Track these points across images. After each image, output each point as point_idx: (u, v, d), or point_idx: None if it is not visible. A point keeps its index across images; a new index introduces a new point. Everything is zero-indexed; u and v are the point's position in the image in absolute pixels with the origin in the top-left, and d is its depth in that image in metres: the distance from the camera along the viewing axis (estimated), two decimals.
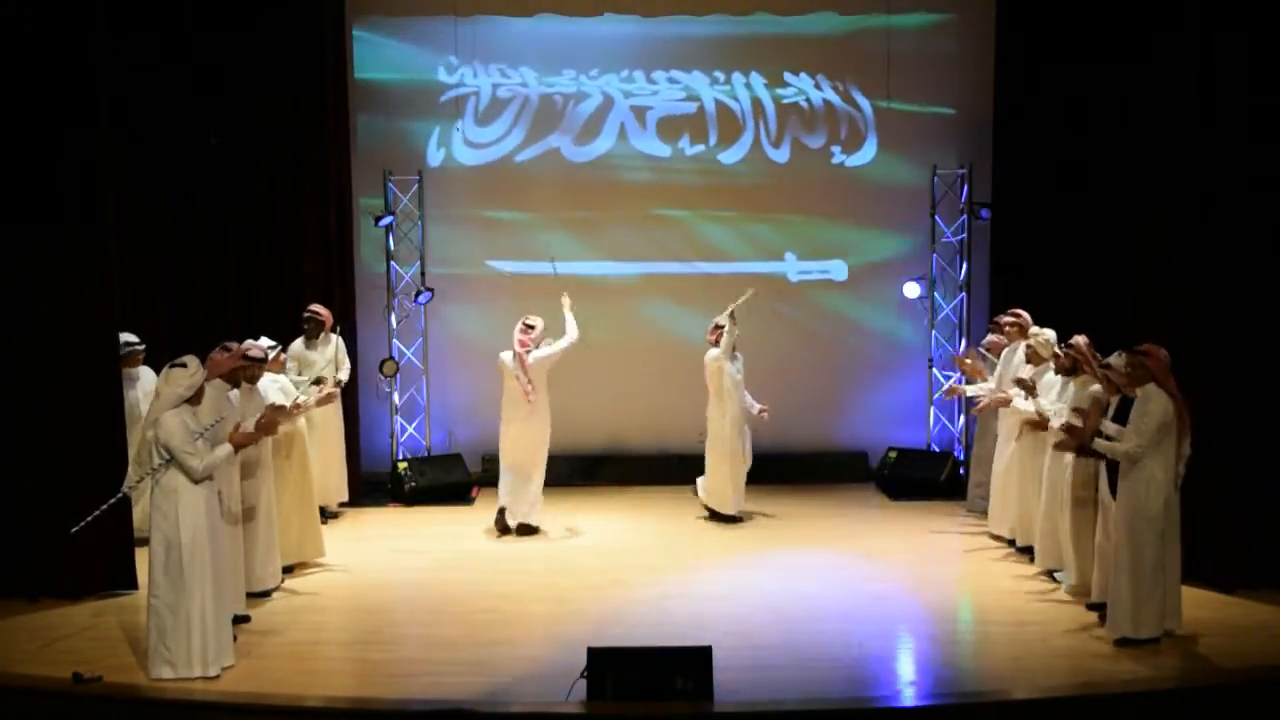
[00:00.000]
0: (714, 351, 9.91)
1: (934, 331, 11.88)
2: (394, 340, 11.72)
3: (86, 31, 7.89)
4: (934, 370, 11.82)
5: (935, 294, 11.85)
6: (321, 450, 9.67)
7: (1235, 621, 7.30)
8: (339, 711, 6.15)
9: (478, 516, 10.15)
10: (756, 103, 11.91)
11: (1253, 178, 7.82)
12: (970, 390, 9.70)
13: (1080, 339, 7.84)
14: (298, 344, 10.05)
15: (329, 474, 10.09)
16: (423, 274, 11.79)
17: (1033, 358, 8.66)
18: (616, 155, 11.92)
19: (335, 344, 10.21)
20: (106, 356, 8.11)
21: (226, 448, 6.62)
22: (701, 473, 10.23)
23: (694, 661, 5.97)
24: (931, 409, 11.91)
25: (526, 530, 9.68)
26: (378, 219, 11.53)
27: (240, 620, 7.18)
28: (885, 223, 11.94)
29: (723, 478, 10.00)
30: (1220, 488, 7.68)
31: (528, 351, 9.46)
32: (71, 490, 7.50)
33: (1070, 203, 10.19)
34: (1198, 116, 7.96)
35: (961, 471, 11.28)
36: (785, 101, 11.90)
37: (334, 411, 10.07)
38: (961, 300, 11.81)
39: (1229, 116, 7.85)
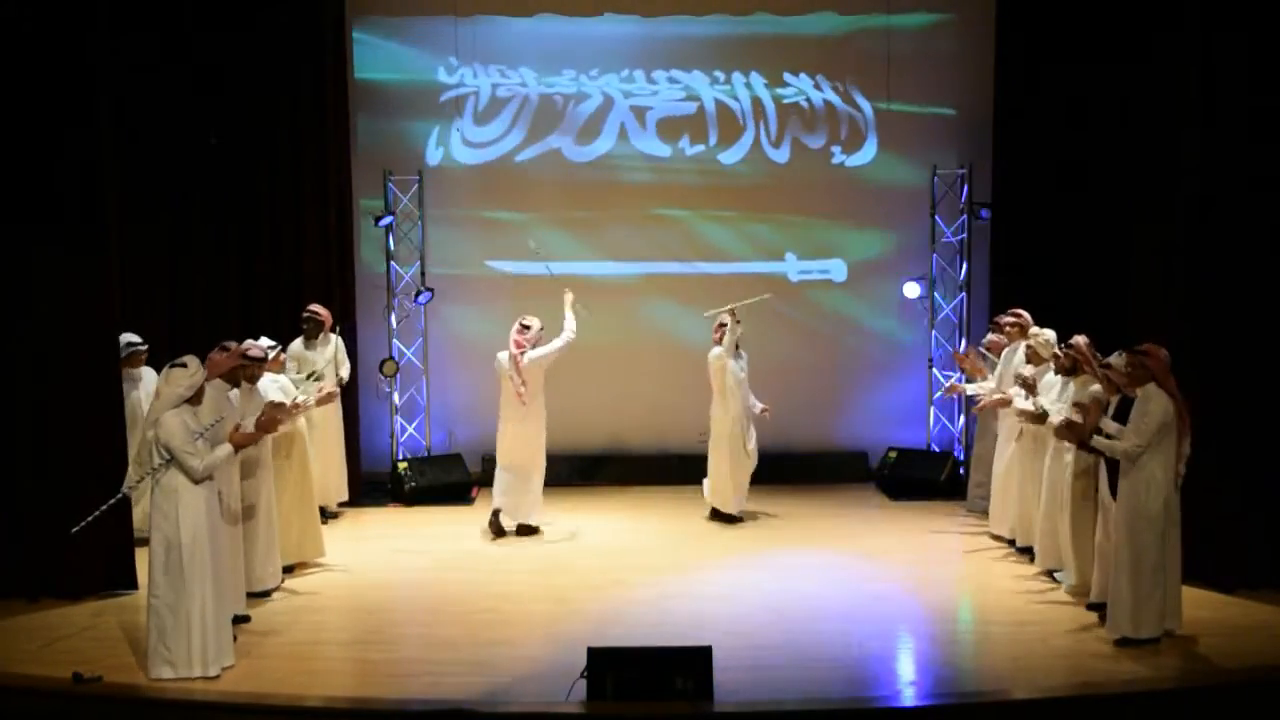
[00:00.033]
0: (717, 350, 9.91)
1: (934, 331, 11.88)
2: (394, 340, 11.72)
3: (86, 31, 7.89)
4: (934, 370, 11.82)
5: (935, 294, 11.85)
6: (321, 450, 9.67)
7: (1235, 621, 7.30)
8: (339, 711, 6.15)
9: (478, 516, 10.14)
10: (757, 103, 11.92)
11: (1253, 178, 7.82)
12: (970, 389, 9.70)
13: (1080, 339, 7.84)
14: (297, 344, 10.05)
15: (329, 474, 10.10)
16: (423, 274, 11.79)
17: (1033, 358, 8.66)
18: (616, 155, 11.92)
19: (335, 344, 10.21)
20: (106, 356, 8.11)
21: (226, 448, 6.62)
22: (704, 473, 10.23)
23: (694, 661, 5.97)
24: (931, 409, 11.91)
25: (526, 530, 9.68)
26: (378, 219, 11.54)
27: (240, 620, 7.18)
28: (885, 223, 11.94)
29: (723, 477, 10.00)
30: (1220, 488, 7.68)
31: (522, 352, 9.43)
32: (71, 490, 7.51)
33: (1070, 203, 10.19)
34: (1198, 116, 7.96)
35: (961, 471, 11.29)
36: (785, 101, 11.89)
37: (334, 411, 10.07)
38: (961, 300, 11.81)
39: (1229, 116, 7.85)
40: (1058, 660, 6.71)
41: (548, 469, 9.83)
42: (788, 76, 11.89)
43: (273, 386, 8.13)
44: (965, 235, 11.72)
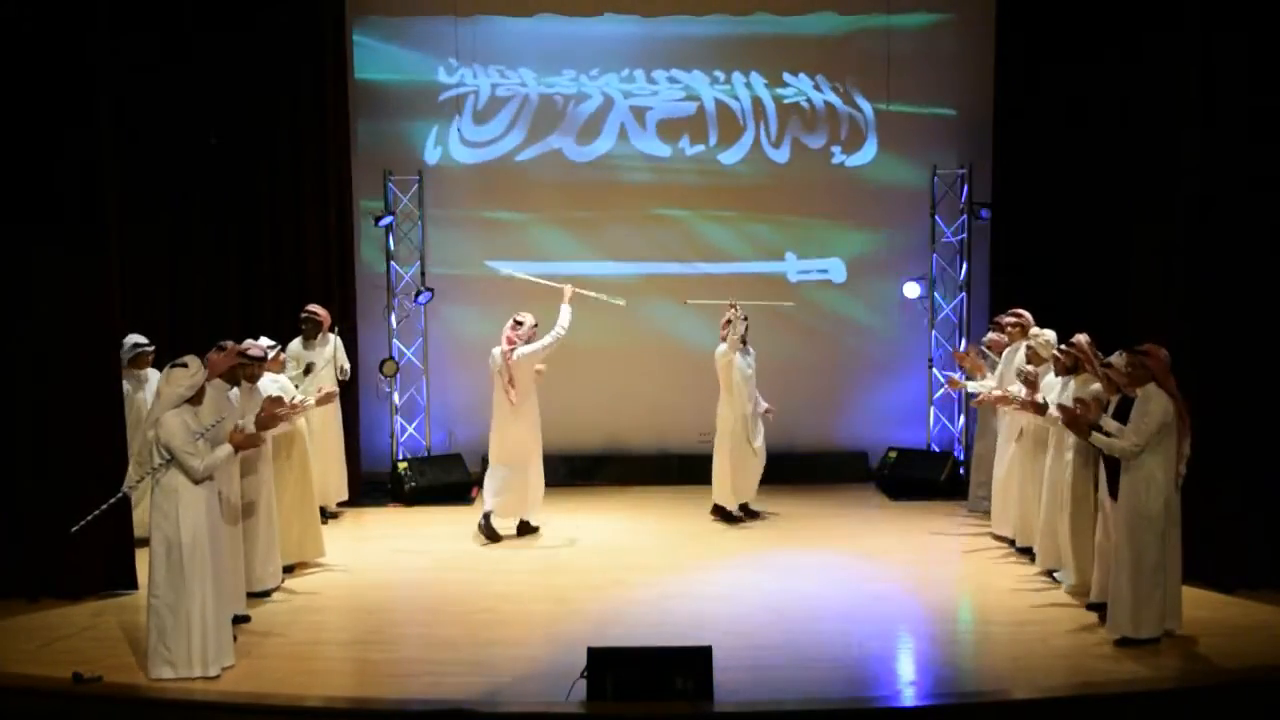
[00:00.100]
0: (721, 347, 9.91)
1: (934, 331, 11.88)
2: (394, 340, 11.72)
3: (86, 31, 7.89)
4: (934, 370, 11.82)
5: (935, 294, 11.85)
6: (321, 450, 9.67)
7: (1235, 621, 7.30)
8: (339, 711, 6.15)
9: (477, 516, 10.12)
10: (757, 102, 11.92)
11: (1253, 178, 7.81)
12: (971, 386, 9.70)
13: (1081, 337, 7.84)
14: (296, 344, 10.06)
15: (328, 474, 10.10)
16: (423, 274, 11.79)
17: (1033, 358, 8.66)
18: (616, 155, 11.93)
19: (334, 343, 10.22)
20: (106, 356, 8.11)
21: (227, 448, 6.62)
22: (705, 472, 10.23)
23: (694, 661, 5.97)
24: (931, 409, 11.91)
25: (526, 530, 9.67)
26: (378, 219, 11.54)
27: (240, 620, 7.18)
28: (885, 223, 11.94)
29: (724, 473, 10.00)
30: (1220, 488, 7.68)
31: (513, 347, 9.38)
32: (71, 490, 7.51)
33: (1070, 203, 10.19)
34: (1198, 116, 7.96)
35: (962, 472, 11.29)
36: (786, 102, 11.90)
37: (334, 411, 10.07)
38: (961, 300, 11.81)
39: (1229, 116, 7.85)
40: (1058, 660, 6.71)
41: (548, 469, 9.81)
42: (788, 76, 11.89)
43: (273, 386, 8.13)
44: (965, 235, 11.72)
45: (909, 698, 6.31)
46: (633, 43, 11.85)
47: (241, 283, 10.67)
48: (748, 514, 10.16)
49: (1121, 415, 6.93)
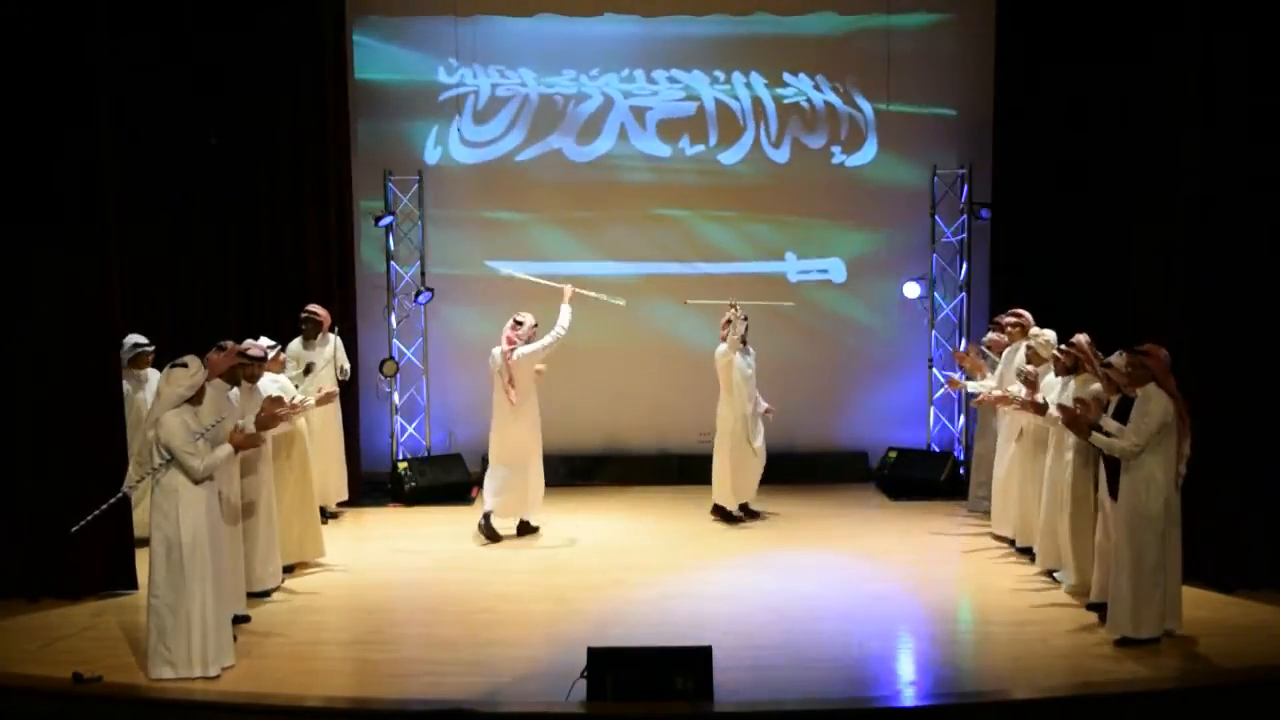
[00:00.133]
0: (721, 347, 9.91)
1: (934, 331, 11.88)
2: (394, 340, 11.72)
3: (86, 31, 7.89)
4: (934, 370, 11.82)
5: (935, 294, 11.85)
6: (320, 450, 9.67)
7: (1235, 621, 7.30)
8: (339, 711, 6.15)
9: (478, 516, 10.12)
10: (757, 102, 11.92)
11: (1253, 178, 7.81)
12: (971, 386, 9.70)
13: (1082, 337, 7.83)
14: (296, 344, 10.06)
15: (328, 474, 10.10)
16: (423, 274, 11.79)
17: (1033, 358, 8.66)
18: (616, 155, 11.93)
19: (333, 343, 10.22)
20: (106, 356, 8.11)
21: (227, 448, 6.62)
22: (705, 472, 10.23)
23: (694, 661, 5.97)
24: (931, 409, 11.91)
25: (526, 529, 9.67)
26: (378, 219, 11.54)
27: (240, 620, 7.18)
28: (885, 223, 11.94)
29: (724, 472, 10.01)
30: (1220, 488, 7.68)
31: (513, 347, 9.36)
32: (71, 490, 7.51)
33: (1070, 203, 10.19)
34: (1198, 116, 7.96)
35: (962, 472, 11.29)
36: (786, 102, 11.90)
37: (333, 411, 10.08)
38: (961, 300, 11.81)
39: (1229, 116, 7.85)
40: (1058, 660, 6.71)
41: (548, 469, 9.81)
42: (787, 77, 11.89)
43: (273, 386, 8.13)
44: (965, 235, 11.72)
45: (909, 698, 6.30)
46: (633, 43, 11.85)
47: (241, 283, 10.67)
48: (748, 514, 10.17)
49: (1121, 415, 6.93)
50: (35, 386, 7.83)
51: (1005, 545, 9.09)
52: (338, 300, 10.76)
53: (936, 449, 11.79)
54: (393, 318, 11.70)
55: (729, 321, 9.87)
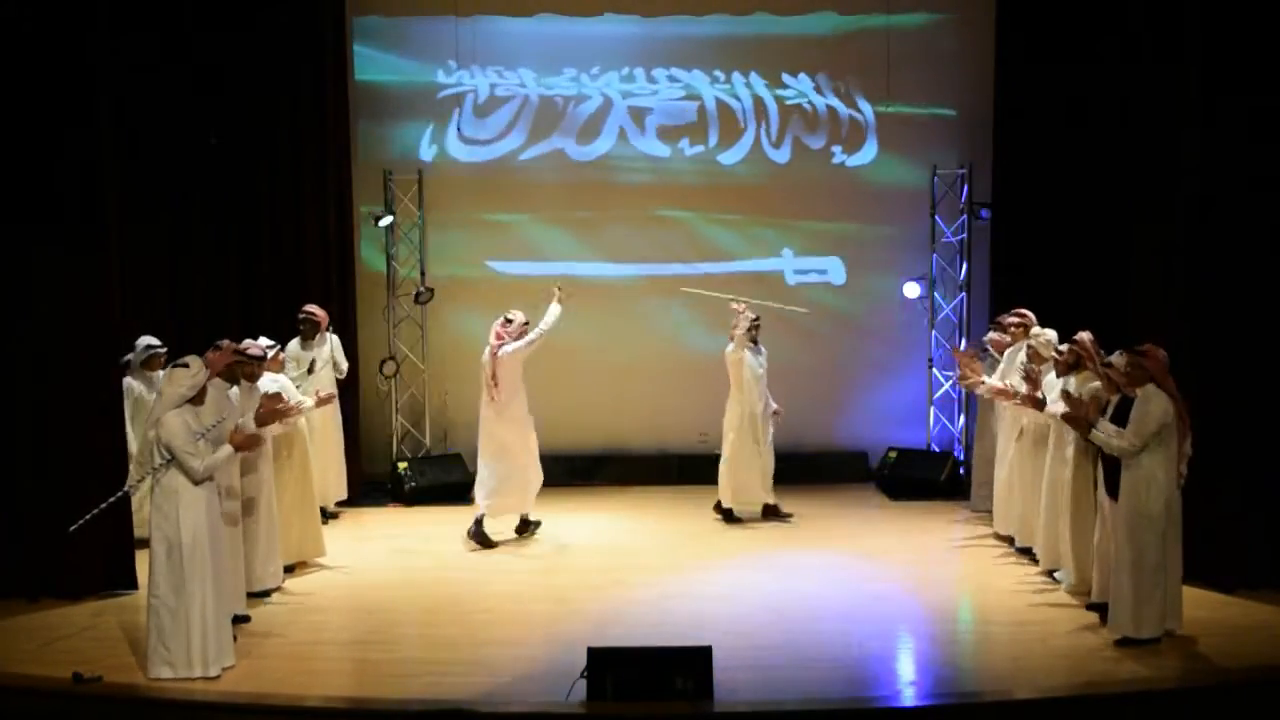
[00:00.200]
0: (729, 346, 9.91)
1: (934, 331, 11.88)
2: (394, 340, 11.72)
3: (86, 31, 7.89)
4: (934, 370, 11.82)
5: (935, 294, 11.85)
6: (319, 450, 9.66)
7: (1235, 621, 7.30)
8: (339, 711, 6.15)
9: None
10: (758, 102, 11.92)
11: (1253, 178, 7.81)
12: (980, 391, 9.66)
13: (1085, 335, 7.82)
14: (294, 345, 10.06)
15: (327, 474, 10.09)
16: (422, 274, 11.79)
17: (1034, 358, 8.65)
18: (616, 156, 11.93)
19: (331, 343, 10.23)
20: (106, 356, 8.12)
21: (227, 448, 6.62)
22: (704, 472, 10.23)
23: (694, 661, 5.97)
24: (931, 409, 11.91)
25: (525, 528, 9.64)
26: (378, 219, 11.55)
27: (240, 620, 7.17)
28: (885, 223, 11.94)
29: (725, 472, 10.01)
30: (1220, 488, 7.67)
31: (501, 344, 9.32)
32: (71, 490, 7.50)
33: (1070, 203, 10.18)
34: (1198, 116, 7.96)
35: (962, 471, 11.29)
36: (787, 102, 11.90)
37: (333, 411, 10.08)
38: (961, 300, 11.81)
39: (1229, 116, 7.84)
40: (1058, 660, 6.71)
41: (547, 469, 9.78)
42: (787, 77, 11.90)
43: (273, 386, 8.13)
44: (965, 235, 11.72)
45: (909, 698, 6.30)
46: (633, 43, 11.85)
47: (241, 283, 10.68)
48: (778, 515, 10.08)
49: (1122, 415, 6.92)
50: (35, 386, 7.83)
51: (1005, 545, 9.08)
52: (337, 300, 10.77)
53: (936, 449, 11.79)
54: (393, 318, 11.70)
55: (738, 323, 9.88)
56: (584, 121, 11.90)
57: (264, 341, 8.14)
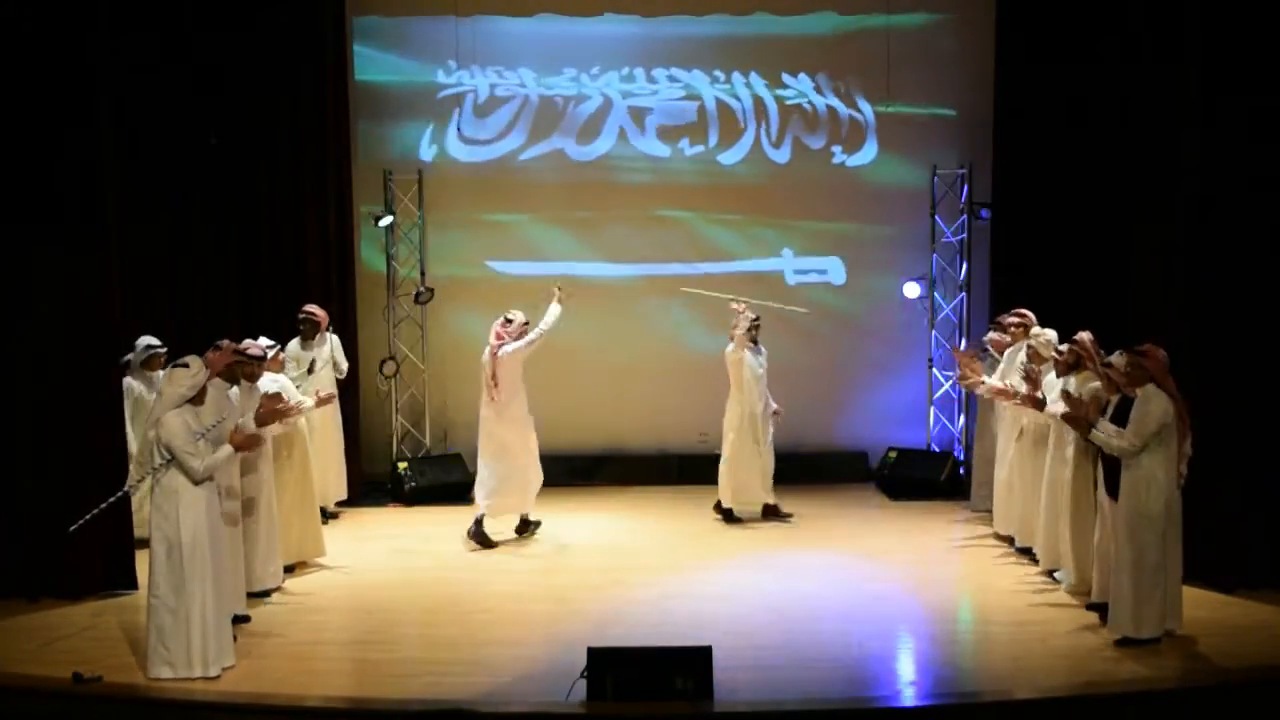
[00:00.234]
0: (729, 346, 9.91)
1: (934, 331, 11.88)
2: (394, 340, 11.72)
3: (86, 31, 7.89)
4: (934, 370, 11.82)
5: (935, 294, 11.85)
6: (319, 450, 9.66)
7: (1235, 621, 7.30)
8: (339, 711, 6.15)
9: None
10: (758, 102, 11.92)
11: (1253, 178, 7.81)
12: (980, 390, 9.67)
13: (1085, 334, 7.82)
14: (294, 345, 10.06)
15: (326, 474, 10.09)
16: (422, 274, 11.80)
17: (1034, 358, 8.65)
18: (616, 156, 11.93)
19: (331, 343, 10.23)
20: (106, 356, 8.12)
21: (227, 449, 6.62)
22: (703, 472, 10.22)
23: (694, 661, 5.97)
24: (931, 409, 11.91)
25: (524, 528, 9.64)
26: (378, 219, 11.55)
27: (240, 620, 7.17)
28: (885, 223, 11.94)
29: (725, 472, 10.01)
30: (1220, 488, 7.67)
31: (501, 343, 9.32)
32: (71, 490, 7.50)
33: (1070, 203, 10.18)
34: (1198, 116, 7.96)
35: (962, 471, 11.29)
36: (787, 102, 11.90)
37: (333, 411, 10.08)
38: (961, 300, 11.81)
39: (1229, 116, 7.84)
40: (1058, 660, 6.71)
41: (547, 469, 9.78)
42: (787, 77, 11.90)
43: (273, 386, 8.13)
44: (965, 235, 11.72)
45: (909, 698, 6.30)
46: (633, 43, 11.86)
47: (241, 283, 10.68)
48: (778, 515, 10.09)
49: (1122, 415, 6.92)
50: (35, 386, 7.83)
51: (1005, 545, 9.08)
52: (337, 300, 10.77)
53: (936, 449, 11.79)
54: (393, 318, 11.70)
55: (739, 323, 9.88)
56: (584, 121, 11.90)
57: (264, 341, 8.14)
